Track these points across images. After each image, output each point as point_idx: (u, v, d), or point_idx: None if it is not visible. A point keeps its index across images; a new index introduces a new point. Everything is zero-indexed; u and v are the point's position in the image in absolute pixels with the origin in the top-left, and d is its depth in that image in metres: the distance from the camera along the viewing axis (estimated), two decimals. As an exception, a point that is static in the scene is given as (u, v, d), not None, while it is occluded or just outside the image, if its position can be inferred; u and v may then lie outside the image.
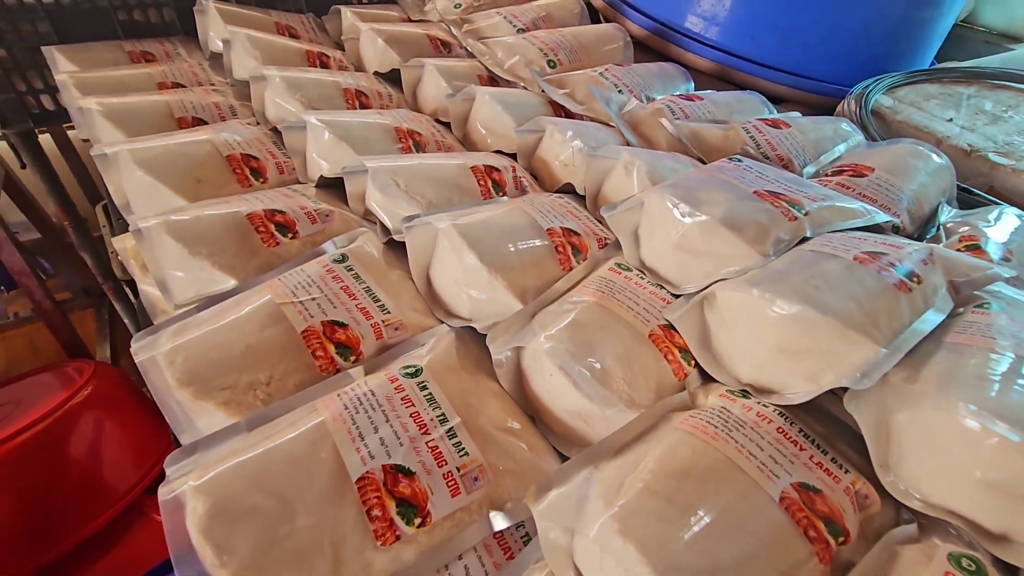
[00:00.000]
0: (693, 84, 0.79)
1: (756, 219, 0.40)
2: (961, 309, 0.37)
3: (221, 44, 0.72)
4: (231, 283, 0.44)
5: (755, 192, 0.43)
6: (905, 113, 0.76)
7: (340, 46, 0.83)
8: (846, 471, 0.31)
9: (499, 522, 0.32)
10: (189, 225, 0.45)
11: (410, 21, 0.88)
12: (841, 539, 0.28)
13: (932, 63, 1.02)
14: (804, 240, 0.41)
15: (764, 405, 0.34)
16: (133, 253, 0.50)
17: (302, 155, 0.59)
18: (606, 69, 0.73)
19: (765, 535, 0.27)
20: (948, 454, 0.29)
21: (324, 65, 0.75)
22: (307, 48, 0.75)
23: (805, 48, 0.87)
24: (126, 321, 1.12)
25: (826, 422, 0.33)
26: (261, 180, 0.57)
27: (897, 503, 0.31)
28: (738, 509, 0.28)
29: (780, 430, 0.32)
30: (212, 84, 0.72)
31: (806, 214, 0.42)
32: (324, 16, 0.88)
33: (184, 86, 0.70)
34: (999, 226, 0.52)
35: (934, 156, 0.59)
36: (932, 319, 0.35)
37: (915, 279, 0.36)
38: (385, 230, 0.49)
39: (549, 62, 0.76)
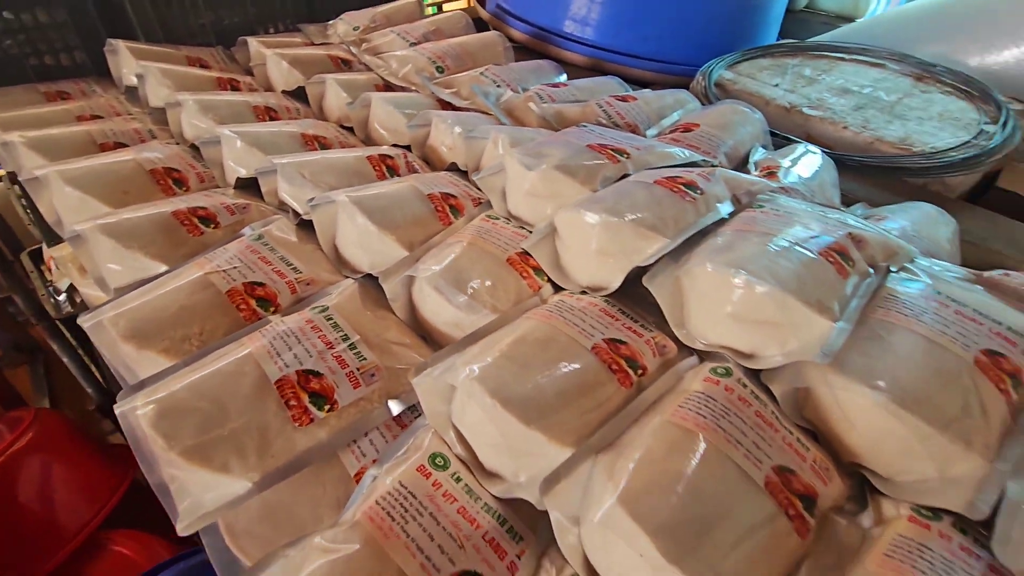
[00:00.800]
0: (565, 76, 0.91)
1: (585, 164, 0.51)
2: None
3: (135, 79, 0.79)
4: (162, 268, 0.51)
5: (588, 145, 0.54)
6: (742, 83, 0.90)
7: (250, 72, 0.91)
8: (649, 330, 0.42)
9: (395, 407, 0.41)
10: (120, 224, 0.52)
11: (312, 45, 0.98)
12: (640, 372, 0.39)
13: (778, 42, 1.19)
14: (626, 176, 0.52)
15: (593, 297, 0.44)
16: (71, 258, 0.57)
17: (220, 165, 0.67)
18: (487, 69, 0.84)
19: (578, 370, 0.37)
20: (711, 300, 0.40)
21: (235, 88, 0.83)
22: (218, 76, 0.83)
23: (660, 39, 1.01)
24: (65, 360, 1.14)
25: (638, 300, 0.44)
26: (184, 189, 0.65)
27: (691, 349, 0.42)
28: (562, 356, 0.38)
29: (601, 309, 0.43)
30: (130, 113, 0.79)
31: (628, 157, 0.54)
32: (232, 48, 0.96)
33: (103, 117, 0.76)
34: (797, 158, 0.65)
35: (749, 112, 0.73)
36: (711, 217, 0.46)
37: (698, 190, 0.48)
38: (296, 214, 0.58)
39: (438, 68, 0.87)
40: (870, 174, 0.73)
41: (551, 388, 0.36)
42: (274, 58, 0.85)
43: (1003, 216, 0.72)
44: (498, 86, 0.80)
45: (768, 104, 0.85)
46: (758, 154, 0.67)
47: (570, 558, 0.32)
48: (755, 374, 0.38)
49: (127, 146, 0.70)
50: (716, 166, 0.61)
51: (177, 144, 0.71)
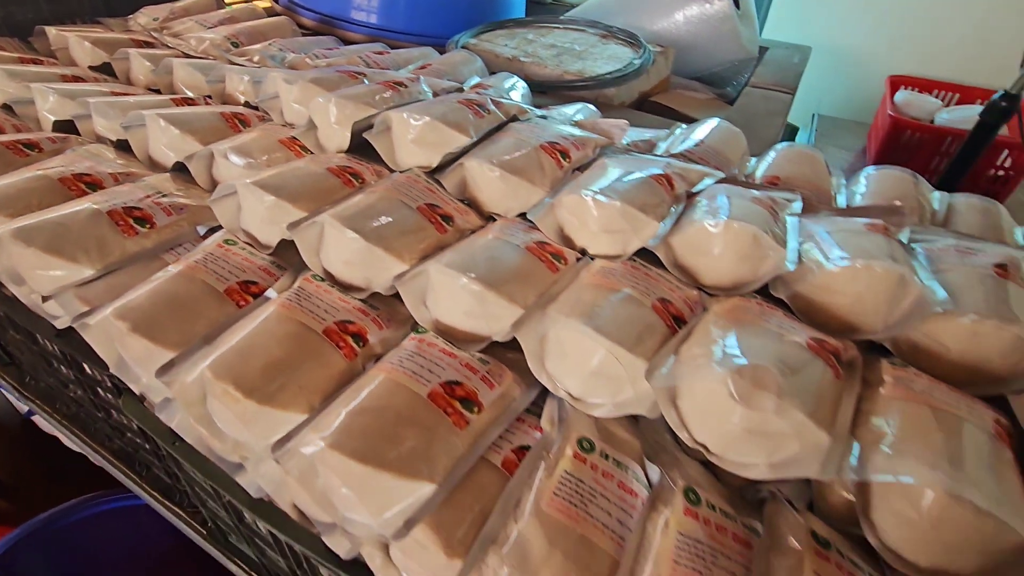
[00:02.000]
0: (343, 46, 1.14)
1: (333, 78, 0.75)
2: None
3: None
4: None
5: (336, 71, 0.78)
6: (482, 46, 1.20)
7: (52, 56, 1.02)
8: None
9: (201, 230, 0.60)
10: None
11: (114, 32, 1.10)
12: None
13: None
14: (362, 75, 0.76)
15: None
16: None
17: (36, 119, 0.80)
18: (275, 41, 1.05)
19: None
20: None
21: (38, 64, 0.94)
22: (19, 55, 0.94)
23: (424, 19, 1.29)
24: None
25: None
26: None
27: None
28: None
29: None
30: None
31: (366, 76, 0.78)
32: (30, 38, 1.06)
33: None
34: (504, 82, 0.95)
35: (471, 56, 1.02)
36: (492, 120, 0.72)
37: (403, 85, 0.73)
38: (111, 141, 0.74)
39: (233, 43, 1.05)
40: (557, 92, 1.06)
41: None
42: (76, 39, 0.98)
43: (648, 114, 1.08)
44: (283, 52, 1.01)
45: (498, 57, 1.15)
46: (473, 80, 0.95)
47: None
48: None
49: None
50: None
51: None
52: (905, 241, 0.58)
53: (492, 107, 0.70)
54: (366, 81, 0.77)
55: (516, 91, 0.93)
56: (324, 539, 0.45)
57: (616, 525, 0.38)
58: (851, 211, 0.62)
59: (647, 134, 0.82)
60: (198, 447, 0.50)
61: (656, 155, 0.70)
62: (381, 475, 0.37)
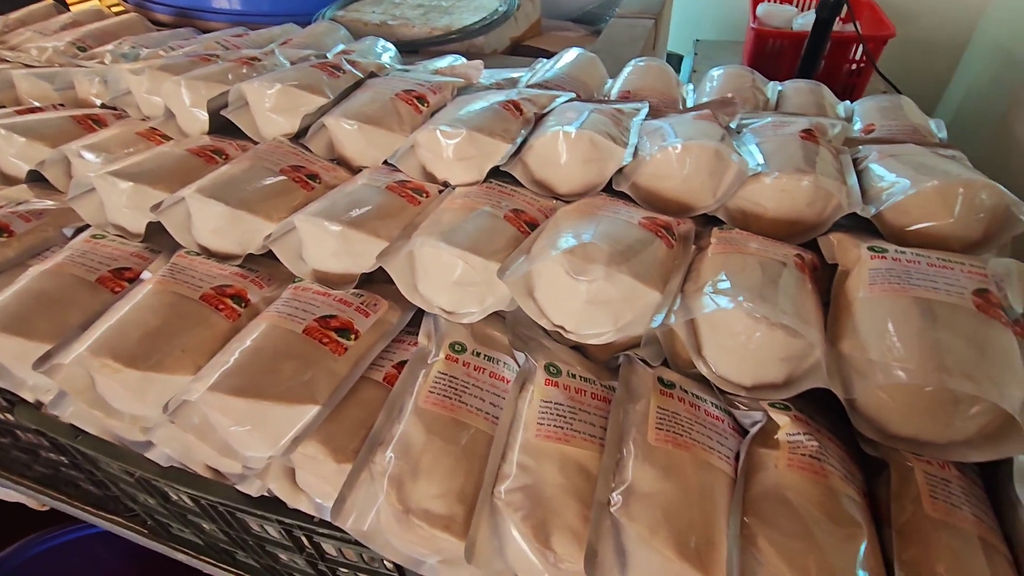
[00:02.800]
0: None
1: (181, 63, 0.74)
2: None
3: None
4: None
5: (184, 53, 0.77)
6: (349, 16, 1.19)
7: None
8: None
9: (68, 231, 0.60)
10: None
11: (-56, 55, 1.03)
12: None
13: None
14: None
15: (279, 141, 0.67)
16: None
17: None
18: (126, 39, 1.00)
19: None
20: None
21: None
22: None
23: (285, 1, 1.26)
24: None
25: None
26: None
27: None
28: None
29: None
30: None
31: (219, 58, 0.77)
32: None
33: None
34: (369, 45, 0.95)
35: (333, 25, 1.01)
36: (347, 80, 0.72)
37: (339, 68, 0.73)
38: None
39: (79, 48, 1.00)
40: (427, 49, 1.07)
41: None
42: (-101, 67, 0.91)
43: (521, 58, 1.11)
44: (135, 49, 0.97)
45: (367, 25, 1.15)
46: (337, 49, 0.95)
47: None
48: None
49: None
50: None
51: None
52: (734, 126, 0.64)
53: (348, 67, 0.71)
54: (220, 62, 0.76)
55: (382, 54, 0.94)
56: (238, 488, 0.47)
57: (489, 407, 0.42)
58: (690, 109, 0.67)
59: (511, 73, 0.85)
60: (101, 434, 0.52)
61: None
62: (265, 405, 0.40)
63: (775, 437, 0.39)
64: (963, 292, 0.40)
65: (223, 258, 0.54)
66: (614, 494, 0.37)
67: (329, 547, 0.53)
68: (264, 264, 0.55)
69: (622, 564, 0.35)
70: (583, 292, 0.43)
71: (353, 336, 0.46)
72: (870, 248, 0.46)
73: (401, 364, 0.46)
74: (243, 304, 0.50)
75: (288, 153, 0.61)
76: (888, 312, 0.40)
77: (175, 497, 0.58)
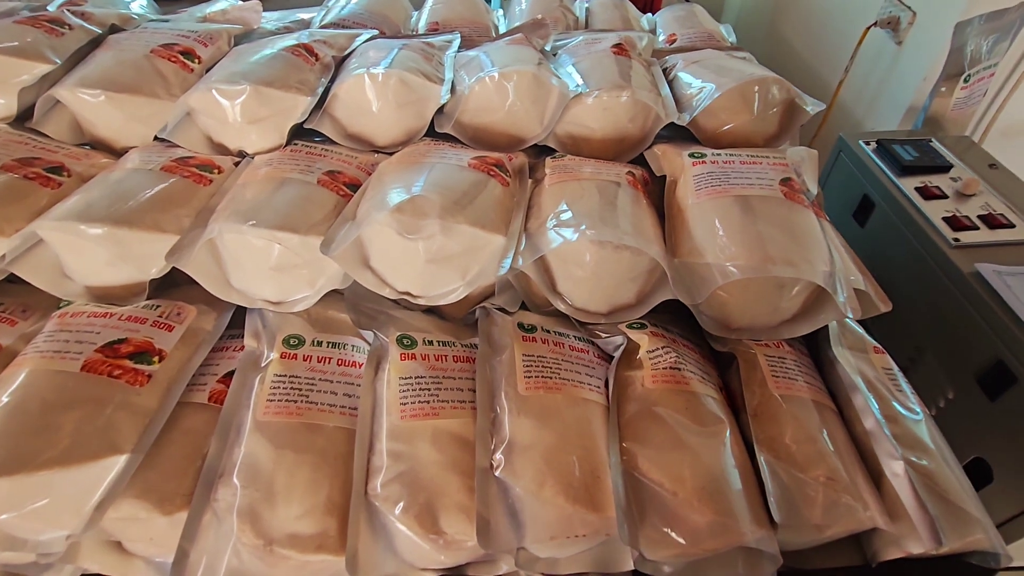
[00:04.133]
0: None
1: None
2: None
3: None
4: None
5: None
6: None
7: None
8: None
9: None
10: None
11: None
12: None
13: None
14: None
15: None
16: None
17: None
18: None
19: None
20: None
21: None
22: None
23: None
24: None
25: None
26: None
27: None
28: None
29: None
30: None
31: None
32: None
33: None
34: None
35: None
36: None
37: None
38: None
39: None
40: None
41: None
42: None
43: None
44: None
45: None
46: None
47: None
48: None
49: None
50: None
51: None
52: (549, 49, 0.62)
53: (75, 20, 0.56)
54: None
55: (130, 2, 0.76)
56: (44, 576, 0.38)
57: (344, 400, 0.38)
58: (502, 35, 0.64)
59: (300, 14, 0.74)
60: None
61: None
62: (43, 476, 0.31)
63: (637, 357, 0.39)
64: (772, 183, 0.43)
65: (-53, 297, 0.41)
66: (495, 455, 0.35)
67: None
68: (12, 292, 0.43)
69: (516, 525, 0.33)
70: (421, 251, 0.39)
71: (156, 358, 0.37)
72: (690, 155, 0.48)
73: (229, 375, 0.38)
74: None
75: (10, 143, 0.47)
76: (714, 214, 0.42)
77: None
